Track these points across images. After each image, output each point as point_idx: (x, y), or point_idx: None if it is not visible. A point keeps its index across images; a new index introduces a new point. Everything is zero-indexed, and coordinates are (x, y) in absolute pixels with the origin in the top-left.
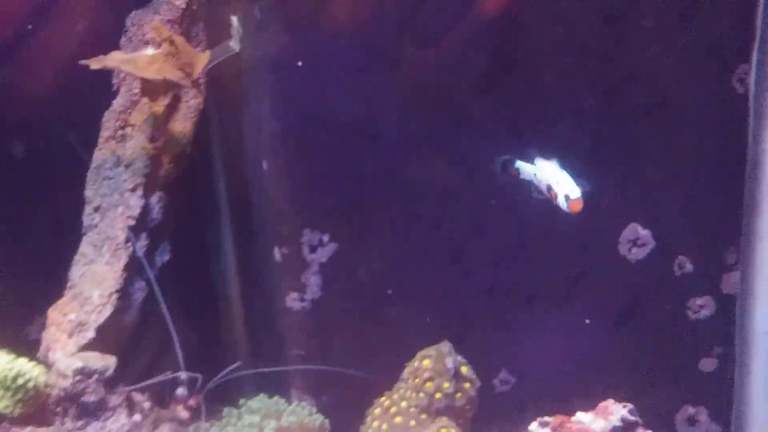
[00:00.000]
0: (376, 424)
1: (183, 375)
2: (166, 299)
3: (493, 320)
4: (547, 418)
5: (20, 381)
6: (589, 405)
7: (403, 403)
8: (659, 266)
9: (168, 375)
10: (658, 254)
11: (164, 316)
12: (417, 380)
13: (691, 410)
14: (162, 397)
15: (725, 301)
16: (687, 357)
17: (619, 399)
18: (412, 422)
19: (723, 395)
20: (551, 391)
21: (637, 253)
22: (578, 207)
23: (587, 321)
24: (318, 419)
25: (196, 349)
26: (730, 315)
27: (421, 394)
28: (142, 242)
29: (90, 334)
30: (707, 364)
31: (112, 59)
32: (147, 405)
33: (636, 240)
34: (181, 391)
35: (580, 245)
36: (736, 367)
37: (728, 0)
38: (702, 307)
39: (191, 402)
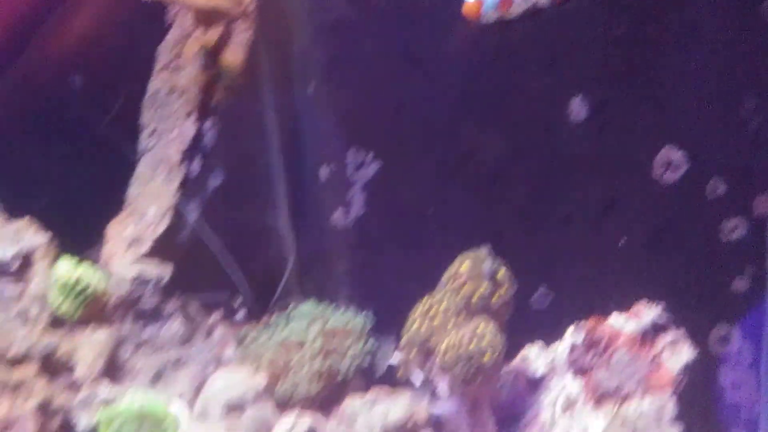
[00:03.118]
0: (415, 326)
1: (234, 297)
2: (218, 221)
3: (531, 239)
4: (582, 323)
5: (81, 286)
6: None
7: (442, 306)
8: (692, 188)
9: (219, 296)
10: (691, 176)
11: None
12: (455, 283)
13: (723, 331)
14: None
15: (757, 222)
16: (719, 278)
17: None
18: (450, 323)
19: (755, 316)
20: (587, 309)
21: (670, 176)
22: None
23: (621, 242)
24: (360, 323)
25: (247, 268)
26: (762, 236)
27: (459, 297)
28: (196, 165)
29: (146, 247)
30: (740, 286)
31: None
32: (201, 317)
33: (670, 163)
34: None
35: (614, 168)
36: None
37: None
38: (734, 229)
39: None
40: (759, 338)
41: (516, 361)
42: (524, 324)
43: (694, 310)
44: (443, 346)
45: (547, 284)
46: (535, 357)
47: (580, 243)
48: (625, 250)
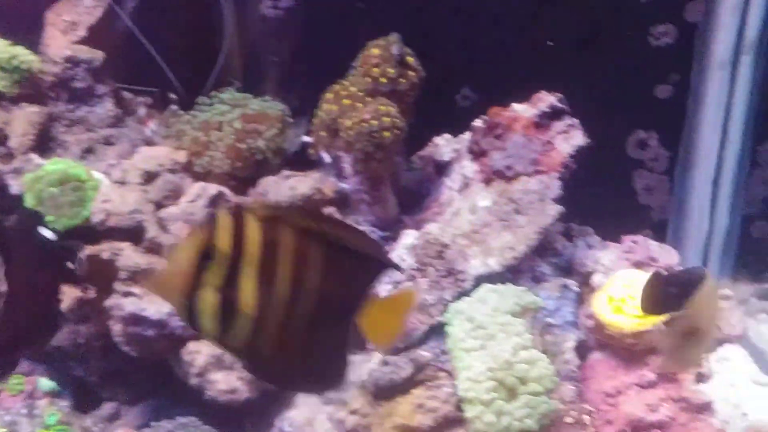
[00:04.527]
0: (327, 107)
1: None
2: (151, 15)
3: (459, 39)
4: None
5: (15, 62)
6: None
7: (353, 88)
8: None
9: (151, 86)
10: None
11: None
12: (365, 66)
13: (642, 135)
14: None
15: (687, 29)
16: (644, 83)
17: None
18: (359, 104)
19: (675, 122)
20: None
21: None
22: None
23: (550, 43)
24: (278, 108)
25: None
26: (690, 44)
27: (368, 79)
28: None
29: (82, 32)
30: (663, 91)
31: None
32: (132, 104)
33: None
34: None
35: None
36: (690, 95)
37: None
38: (663, 34)
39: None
40: (676, 145)
41: (427, 148)
42: (447, 120)
43: (608, 112)
44: (347, 124)
45: (471, 85)
46: (444, 143)
47: (506, 45)
48: (551, 53)
